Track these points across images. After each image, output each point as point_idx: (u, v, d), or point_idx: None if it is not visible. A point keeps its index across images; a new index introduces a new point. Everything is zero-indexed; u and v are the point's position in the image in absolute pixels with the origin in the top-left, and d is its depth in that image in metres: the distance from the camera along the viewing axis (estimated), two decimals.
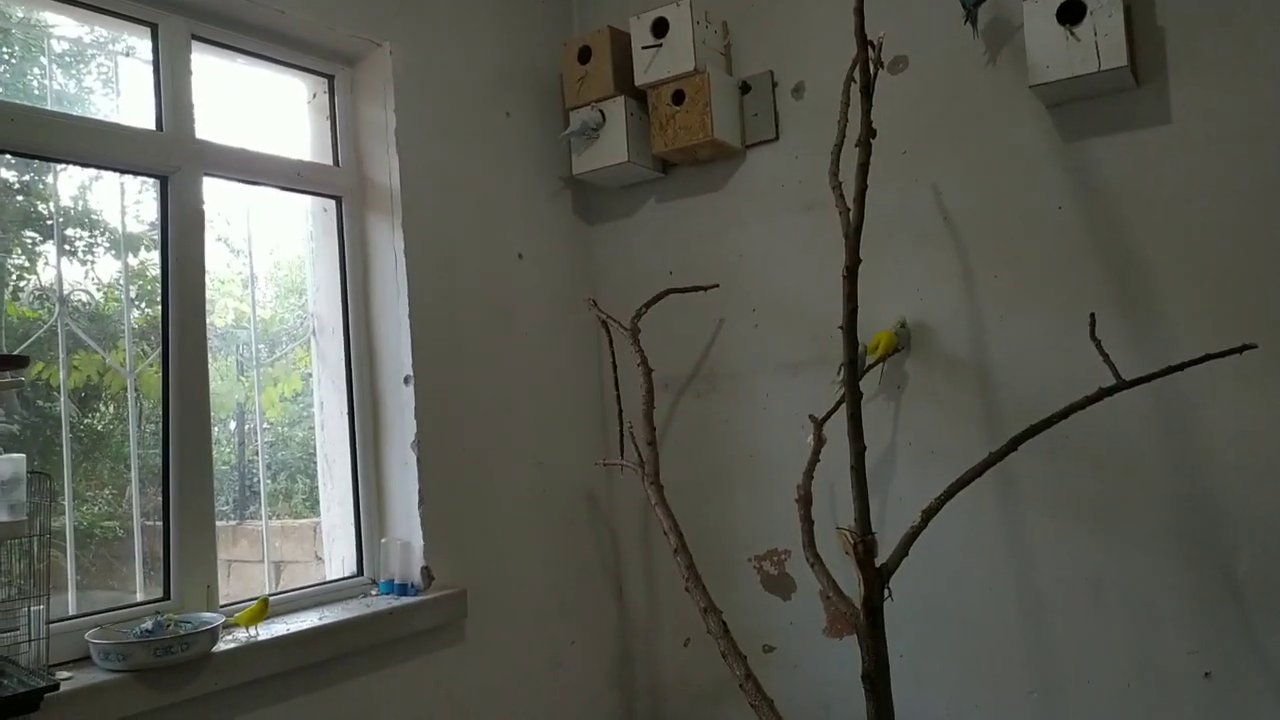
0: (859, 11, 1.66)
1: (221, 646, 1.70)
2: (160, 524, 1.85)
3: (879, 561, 1.67)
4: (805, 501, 1.89)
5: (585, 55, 2.47)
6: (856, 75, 1.70)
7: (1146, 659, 1.95)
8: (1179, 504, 1.92)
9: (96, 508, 1.98)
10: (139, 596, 1.84)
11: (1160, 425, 1.93)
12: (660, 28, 2.36)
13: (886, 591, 1.66)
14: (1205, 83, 1.90)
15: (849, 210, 1.69)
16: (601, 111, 2.44)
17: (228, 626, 1.79)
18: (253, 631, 1.79)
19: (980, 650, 2.12)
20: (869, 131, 1.66)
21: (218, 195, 2.07)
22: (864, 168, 1.66)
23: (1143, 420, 1.94)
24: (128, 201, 1.98)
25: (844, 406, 1.70)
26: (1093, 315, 1.74)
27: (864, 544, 1.64)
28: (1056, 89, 1.94)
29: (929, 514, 1.66)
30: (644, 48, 2.38)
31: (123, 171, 1.90)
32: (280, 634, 1.80)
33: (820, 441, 2.00)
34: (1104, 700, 1.98)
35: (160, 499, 1.86)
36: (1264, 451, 1.84)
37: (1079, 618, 2.02)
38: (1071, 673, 2.02)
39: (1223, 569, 1.88)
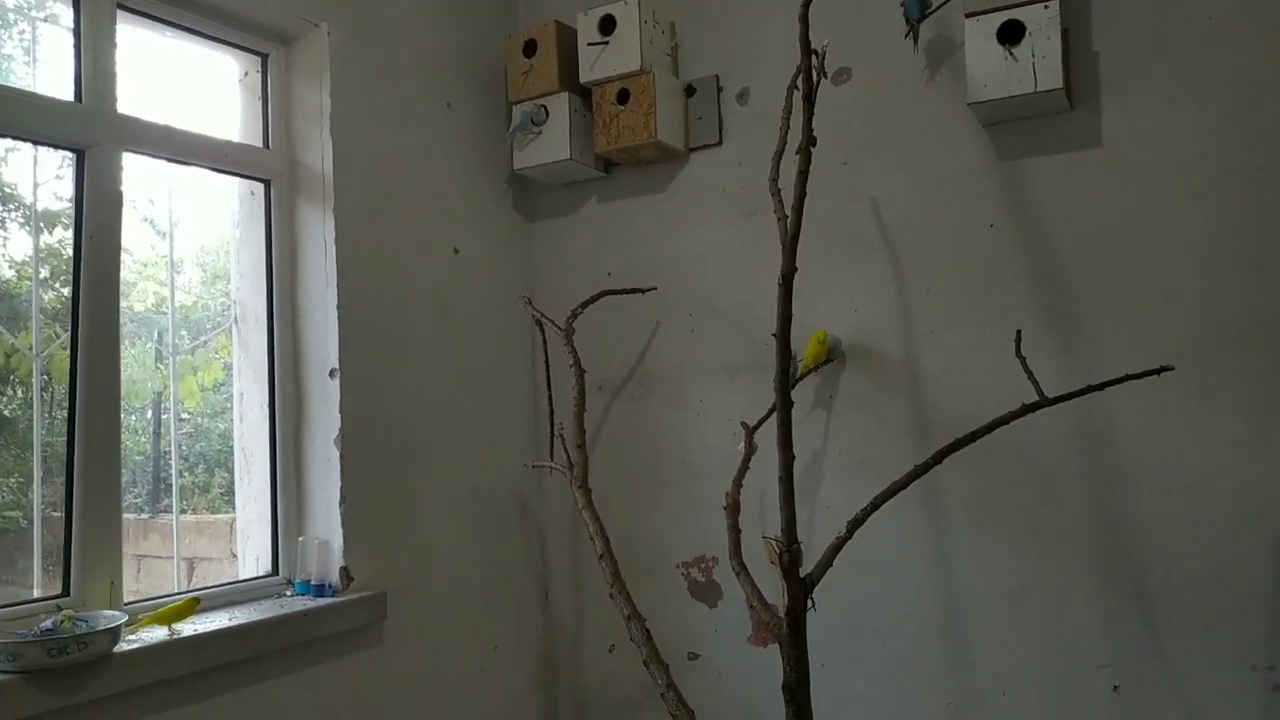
0: (804, 19, 1.65)
1: (124, 647, 1.62)
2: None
3: (804, 571, 1.67)
4: (733, 510, 1.88)
5: (530, 49, 2.43)
6: (799, 82, 1.70)
7: (1060, 672, 1.98)
8: (1096, 520, 1.96)
9: (1, 497, 1.89)
10: (36, 592, 1.75)
11: (1081, 441, 1.97)
12: (608, 25, 2.33)
13: (810, 602, 1.66)
14: (1135, 108, 1.94)
15: (787, 217, 1.69)
16: (545, 107, 2.41)
17: (137, 625, 1.71)
18: (174, 630, 1.73)
19: (901, 662, 2.14)
20: (809, 139, 1.66)
21: (142, 173, 1.98)
22: (803, 175, 1.66)
23: (1064, 436, 1.98)
24: (46, 176, 1.88)
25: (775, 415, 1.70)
26: (1019, 332, 1.76)
27: (789, 554, 1.63)
28: (993, 108, 1.96)
29: (854, 525, 1.67)
30: (590, 44, 2.35)
31: (36, 143, 1.80)
32: (188, 634, 1.73)
33: (751, 449, 2.00)
34: (1019, 714, 2.01)
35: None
36: (1178, 471, 1.88)
37: (998, 631, 2.04)
38: (989, 686, 2.05)
39: (1135, 585, 1.92)
